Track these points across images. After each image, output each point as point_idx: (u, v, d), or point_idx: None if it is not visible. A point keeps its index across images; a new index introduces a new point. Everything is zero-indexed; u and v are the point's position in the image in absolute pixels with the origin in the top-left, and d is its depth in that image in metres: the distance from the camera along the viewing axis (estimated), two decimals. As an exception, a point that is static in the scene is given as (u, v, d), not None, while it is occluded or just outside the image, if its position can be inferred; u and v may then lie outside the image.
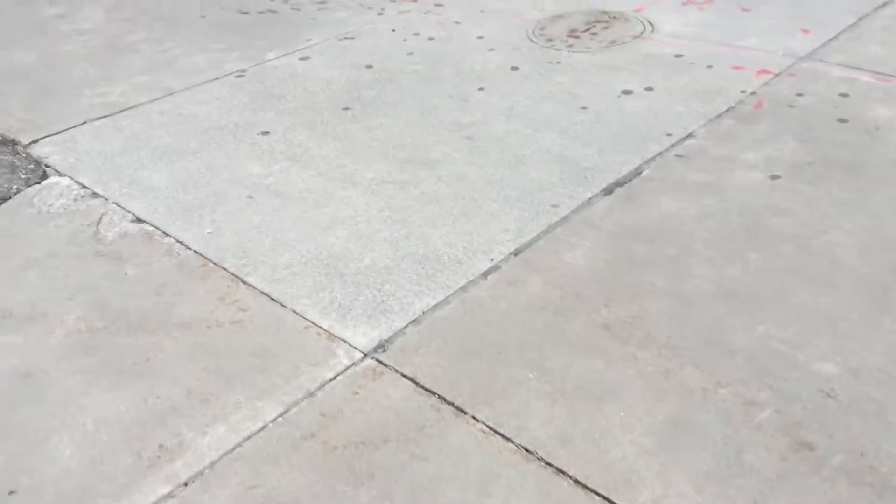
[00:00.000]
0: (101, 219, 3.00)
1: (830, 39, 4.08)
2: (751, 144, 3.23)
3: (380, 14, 4.85)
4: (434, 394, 2.20)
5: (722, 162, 3.13)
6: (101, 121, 3.70)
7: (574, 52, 4.18)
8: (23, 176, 3.26)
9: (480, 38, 4.43)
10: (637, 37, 4.30)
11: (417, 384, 2.24)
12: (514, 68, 4.04)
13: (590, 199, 2.98)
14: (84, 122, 3.68)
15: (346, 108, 3.73)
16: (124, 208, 3.06)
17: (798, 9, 4.49)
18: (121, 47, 4.50)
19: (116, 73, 4.18)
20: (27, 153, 3.44)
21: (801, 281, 2.52)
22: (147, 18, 4.91)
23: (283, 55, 4.33)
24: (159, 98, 3.90)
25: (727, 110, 3.50)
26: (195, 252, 2.82)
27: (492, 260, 2.71)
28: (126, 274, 2.72)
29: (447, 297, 2.56)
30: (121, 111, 3.78)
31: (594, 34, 4.37)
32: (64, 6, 5.15)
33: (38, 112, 3.78)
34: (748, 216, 2.82)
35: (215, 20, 4.85)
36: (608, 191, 3.02)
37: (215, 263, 2.76)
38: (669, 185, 3.02)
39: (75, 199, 3.12)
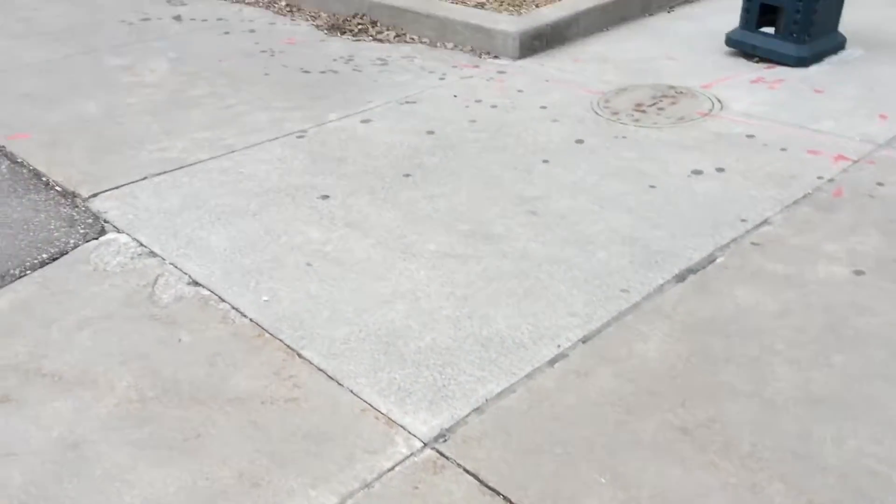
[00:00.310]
0: (157, 280, 2.94)
1: (909, 126, 3.94)
2: (831, 235, 3.09)
3: (441, 79, 4.82)
4: (498, 494, 2.07)
5: (801, 253, 2.99)
6: (162, 177, 3.67)
7: (641, 126, 4.09)
8: (81, 230, 3.23)
9: (544, 107, 4.36)
10: (706, 114, 4.20)
11: (481, 481, 2.10)
12: (579, 141, 3.96)
13: (661, 285, 2.85)
14: (144, 178, 3.66)
15: (407, 175, 3.67)
16: (181, 270, 3.00)
17: (873, 92, 4.36)
18: (183, 102, 4.51)
19: (178, 127, 4.17)
20: (86, 207, 3.41)
21: (892, 389, 2.35)
22: (210, 73, 4.93)
23: (345, 117, 4.30)
24: (220, 155, 3.87)
25: (804, 196, 3.36)
26: (251, 320, 2.73)
27: (559, 346, 2.58)
28: (180, 340, 2.64)
29: (512, 384, 2.43)
30: (181, 167, 3.76)
31: (661, 109, 4.28)
32: (129, 57, 5.21)
33: (99, 164, 3.77)
34: (832, 314, 2.67)
35: (278, 78, 4.85)
36: (680, 277, 2.89)
37: (271, 334, 2.67)
38: (746, 276, 2.88)
39: (132, 258, 3.07)
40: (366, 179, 3.64)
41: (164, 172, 3.71)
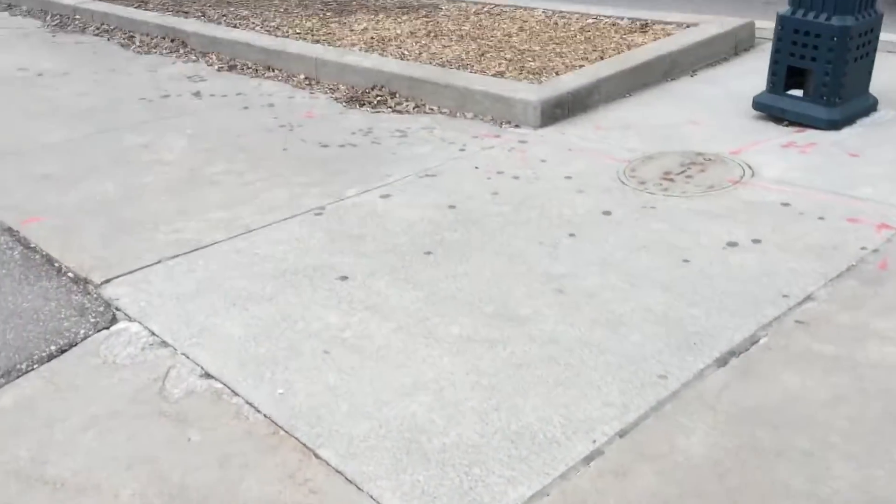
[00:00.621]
0: (168, 372, 2.80)
1: (953, 190, 3.77)
2: (881, 311, 2.90)
3: (462, 150, 4.72)
4: None
5: (850, 331, 2.80)
6: (176, 259, 3.57)
7: (669, 196, 3.95)
8: (92, 320, 3.11)
9: (568, 178, 4.24)
10: (737, 182, 4.05)
11: None
12: (606, 213, 3.82)
13: (701, 370, 2.67)
14: (158, 261, 3.55)
15: (429, 253, 3.54)
16: (193, 361, 2.86)
17: (909, 154, 4.20)
18: (201, 179, 4.44)
19: (195, 207, 4.09)
20: (98, 294, 3.31)
21: (964, 488, 2.14)
22: (229, 149, 4.88)
23: (363, 192, 4.20)
24: (236, 236, 3.77)
25: (848, 269, 3.18)
26: (265, 416, 2.58)
27: (594, 442, 2.40)
28: (189, 440, 2.49)
29: (545, 486, 2.25)
30: (196, 249, 3.65)
31: (689, 177, 4.14)
32: (148, 135, 5.18)
33: (112, 249, 3.68)
34: (889, 401, 2.47)
35: (296, 153, 4.79)
36: (722, 361, 2.70)
37: (286, 431, 2.51)
38: (792, 358, 2.69)
39: (143, 349, 2.94)
40: (385, 258, 3.51)
41: (179, 255, 3.61)
